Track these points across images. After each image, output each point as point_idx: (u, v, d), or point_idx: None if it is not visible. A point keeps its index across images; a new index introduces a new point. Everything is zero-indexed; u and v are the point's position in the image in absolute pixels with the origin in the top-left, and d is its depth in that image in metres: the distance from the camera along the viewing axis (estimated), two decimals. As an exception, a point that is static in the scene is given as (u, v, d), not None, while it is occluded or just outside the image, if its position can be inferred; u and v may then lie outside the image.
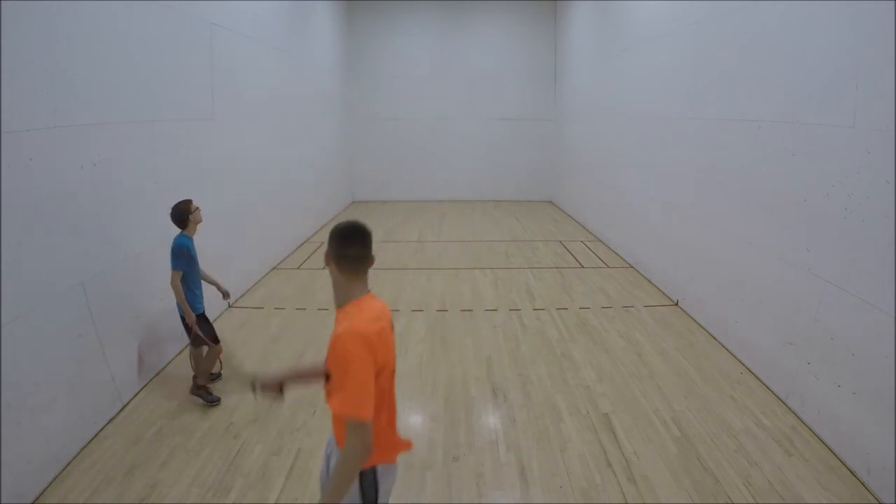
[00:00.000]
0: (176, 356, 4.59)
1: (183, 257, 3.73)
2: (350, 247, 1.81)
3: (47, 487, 3.02)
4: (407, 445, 1.97)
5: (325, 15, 10.61)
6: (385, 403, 1.83)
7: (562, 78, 12.21)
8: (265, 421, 3.69)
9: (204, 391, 3.90)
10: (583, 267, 7.43)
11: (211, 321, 4.06)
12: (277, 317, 5.60)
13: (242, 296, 6.21)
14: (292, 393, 4.02)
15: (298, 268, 7.44)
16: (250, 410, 3.82)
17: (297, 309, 5.80)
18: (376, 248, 1.89)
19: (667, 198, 6.23)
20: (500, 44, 12.79)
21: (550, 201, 13.06)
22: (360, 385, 1.65)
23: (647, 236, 6.90)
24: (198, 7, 5.15)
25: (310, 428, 3.62)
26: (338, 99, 11.83)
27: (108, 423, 3.65)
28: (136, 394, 4.01)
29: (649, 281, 6.71)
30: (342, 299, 1.83)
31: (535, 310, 5.75)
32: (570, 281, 6.76)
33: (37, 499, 2.94)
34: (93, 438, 3.47)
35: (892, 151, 2.89)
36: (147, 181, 4.27)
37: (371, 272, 1.91)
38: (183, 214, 3.80)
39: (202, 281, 3.97)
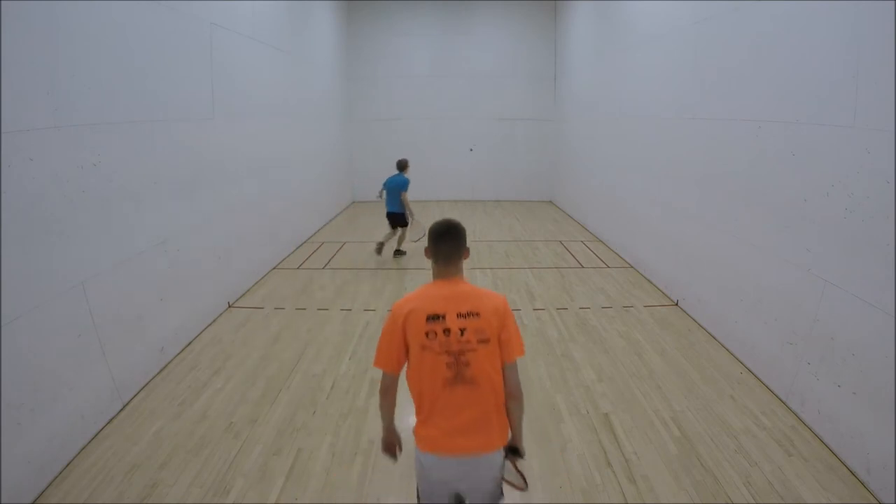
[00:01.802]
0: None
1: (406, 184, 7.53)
2: (431, 241, 2.13)
3: (47, 487, 3.02)
4: (440, 447, 1.96)
5: (325, 15, 10.62)
6: (421, 382, 1.99)
7: (562, 78, 12.21)
8: (265, 421, 3.70)
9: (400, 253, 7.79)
10: (583, 267, 7.43)
11: None
12: (277, 317, 5.60)
13: (242, 296, 6.21)
14: (292, 393, 4.05)
15: (298, 268, 7.44)
16: (250, 410, 3.82)
17: (297, 309, 5.79)
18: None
19: (667, 198, 6.23)
20: (500, 44, 12.80)
21: (550, 201, 13.07)
22: (379, 343, 2.06)
23: (647, 236, 6.90)
24: (198, 7, 5.15)
25: (310, 428, 3.62)
26: (338, 99, 11.83)
27: (108, 423, 3.65)
28: (136, 394, 4.02)
29: (649, 281, 6.71)
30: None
31: (535, 310, 5.75)
32: (570, 281, 6.77)
33: (37, 499, 2.94)
34: (93, 438, 3.47)
35: (892, 151, 2.89)
36: (147, 181, 4.27)
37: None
38: (405, 166, 7.74)
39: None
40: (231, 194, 5.96)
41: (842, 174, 3.30)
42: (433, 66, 12.87)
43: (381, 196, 7.81)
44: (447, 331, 1.95)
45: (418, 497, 2.08)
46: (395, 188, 7.48)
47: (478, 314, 1.97)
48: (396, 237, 7.78)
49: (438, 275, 2.11)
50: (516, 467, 2.15)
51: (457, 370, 1.95)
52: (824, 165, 3.47)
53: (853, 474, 3.10)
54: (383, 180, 7.72)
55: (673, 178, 6.05)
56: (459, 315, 1.96)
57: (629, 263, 7.49)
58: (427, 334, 1.95)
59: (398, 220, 7.58)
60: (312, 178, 9.69)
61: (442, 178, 13.08)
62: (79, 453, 3.32)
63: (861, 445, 3.09)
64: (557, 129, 12.52)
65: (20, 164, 2.94)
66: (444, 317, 1.96)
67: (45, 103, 3.16)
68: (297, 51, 8.65)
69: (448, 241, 2.11)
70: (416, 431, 2.02)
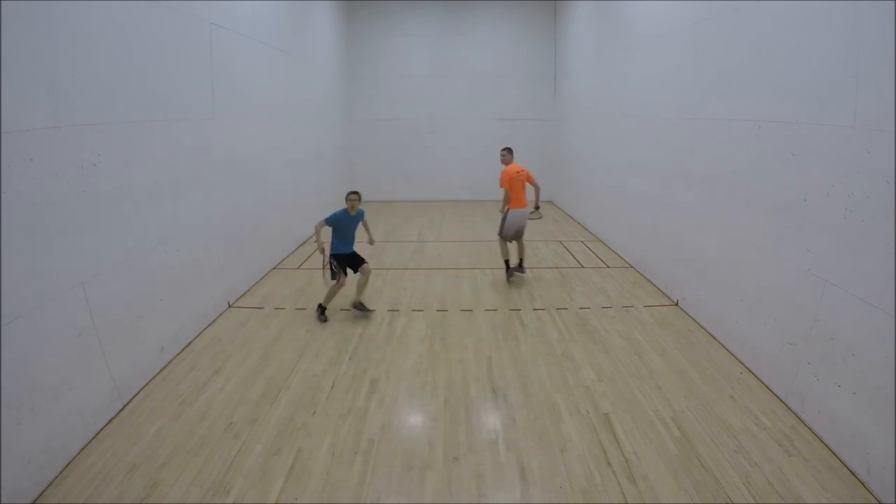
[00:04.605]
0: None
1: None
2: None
3: (47, 487, 3.02)
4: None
5: (325, 15, 10.61)
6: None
7: (562, 78, 12.21)
8: (265, 421, 3.70)
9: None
10: (583, 267, 7.43)
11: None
12: (277, 317, 5.60)
13: (242, 296, 6.21)
14: (292, 393, 4.05)
15: (298, 268, 7.44)
16: (250, 410, 3.83)
17: (297, 309, 5.79)
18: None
19: (667, 198, 6.23)
20: (500, 44, 12.79)
21: (550, 201, 13.06)
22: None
23: (647, 236, 6.90)
24: (198, 7, 5.15)
25: (310, 428, 3.62)
26: (338, 99, 11.82)
27: (108, 423, 3.65)
28: (136, 394, 4.02)
29: (649, 281, 6.71)
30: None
31: (535, 310, 5.75)
32: (570, 281, 6.77)
33: (37, 499, 2.94)
34: (93, 438, 3.47)
35: (892, 151, 2.89)
36: (147, 181, 4.26)
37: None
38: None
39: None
40: (231, 194, 5.96)
41: (842, 174, 3.30)
42: (433, 66, 12.87)
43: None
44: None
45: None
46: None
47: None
48: None
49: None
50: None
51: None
52: (824, 165, 3.47)
53: (853, 474, 3.10)
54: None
55: (673, 177, 6.05)
56: None
57: (629, 263, 7.49)
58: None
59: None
60: (312, 178, 9.69)
61: (442, 179, 13.07)
62: (79, 453, 3.32)
63: (861, 445, 3.09)
64: (557, 129, 12.52)
65: (20, 164, 2.94)
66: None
67: (45, 103, 3.16)
68: (297, 51, 8.65)
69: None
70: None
